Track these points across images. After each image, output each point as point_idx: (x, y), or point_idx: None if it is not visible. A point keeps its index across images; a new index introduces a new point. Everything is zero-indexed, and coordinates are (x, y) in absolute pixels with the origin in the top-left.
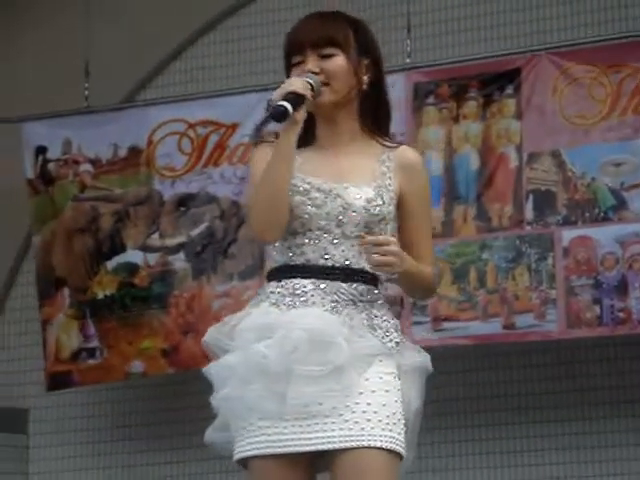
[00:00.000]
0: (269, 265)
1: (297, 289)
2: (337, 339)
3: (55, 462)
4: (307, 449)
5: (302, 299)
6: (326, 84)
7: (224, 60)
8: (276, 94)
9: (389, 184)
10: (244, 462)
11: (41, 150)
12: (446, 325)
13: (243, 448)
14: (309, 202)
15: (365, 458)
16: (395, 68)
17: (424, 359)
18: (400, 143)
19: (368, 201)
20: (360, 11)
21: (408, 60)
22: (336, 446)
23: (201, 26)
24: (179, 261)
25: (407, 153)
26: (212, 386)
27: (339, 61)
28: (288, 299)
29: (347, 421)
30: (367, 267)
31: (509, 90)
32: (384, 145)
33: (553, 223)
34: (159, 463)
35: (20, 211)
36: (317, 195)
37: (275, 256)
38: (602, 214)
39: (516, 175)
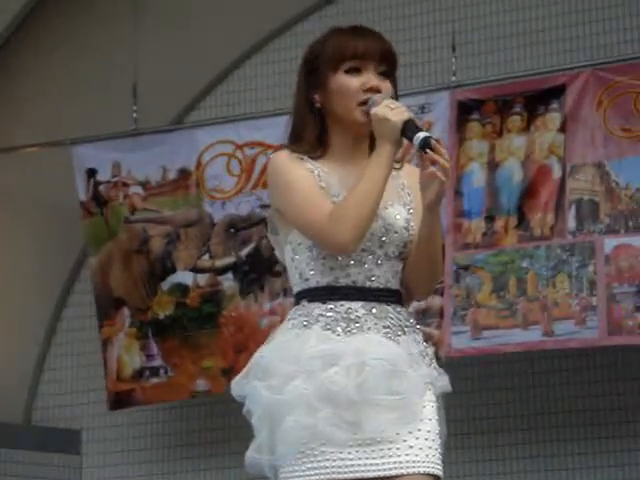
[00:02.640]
0: (302, 285)
1: (350, 313)
2: (405, 368)
3: None
4: (374, 474)
5: (357, 324)
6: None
7: (270, 81)
8: (398, 116)
9: (411, 201)
10: None
11: (91, 172)
12: (486, 334)
13: (302, 473)
14: None
15: None
16: (441, 86)
17: (446, 381)
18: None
19: (407, 221)
20: (406, 30)
21: (453, 78)
22: (404, 471)
23: (248, 48)
24: (227, 281)
25: (413, 169)
26: (253, 408)
27: (389, 83)
28: (342, 324)
29: (412, 447)
30: (400, 288)
31: (554, 104)
32: None
33: (595, 232)
34: None
35: (72, 233)
36: None
37: (313, 276)
38: None
39: (559, 186)
